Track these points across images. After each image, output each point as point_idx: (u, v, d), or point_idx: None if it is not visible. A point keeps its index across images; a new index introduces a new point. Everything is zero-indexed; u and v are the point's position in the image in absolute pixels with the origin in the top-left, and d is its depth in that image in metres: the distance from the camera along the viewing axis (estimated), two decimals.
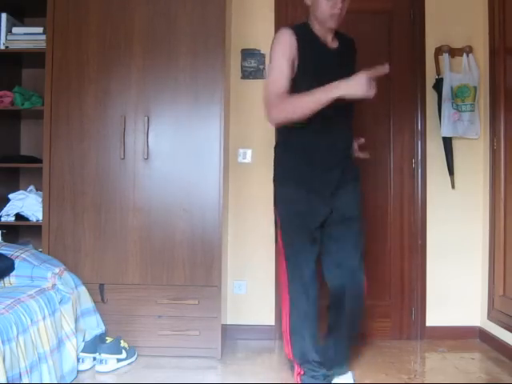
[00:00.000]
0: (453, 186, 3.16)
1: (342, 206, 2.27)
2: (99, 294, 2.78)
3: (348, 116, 2.31)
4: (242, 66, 3.22)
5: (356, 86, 1.99)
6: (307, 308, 2.25)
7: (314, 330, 2.28)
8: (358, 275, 2.26)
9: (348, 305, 2.25)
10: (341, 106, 2.13)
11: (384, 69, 2.01)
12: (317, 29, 2.25)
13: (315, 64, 2.20)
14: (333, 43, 2.28)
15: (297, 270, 2.25)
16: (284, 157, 2.32)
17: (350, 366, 2.55)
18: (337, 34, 2.30)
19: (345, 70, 2.15)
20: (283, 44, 2.17)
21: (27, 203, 2.90)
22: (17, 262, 2.55)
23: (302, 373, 2.29)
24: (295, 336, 2.28)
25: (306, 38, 2.20)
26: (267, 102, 2.13)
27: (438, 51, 3.15)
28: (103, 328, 2.73)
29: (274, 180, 2.36)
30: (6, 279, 2.52)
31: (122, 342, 2.62)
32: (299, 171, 2.26)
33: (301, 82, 2.16)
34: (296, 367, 2.32)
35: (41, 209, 2.85)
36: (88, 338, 2.63)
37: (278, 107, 2.10)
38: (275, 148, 2.40)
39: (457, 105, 3.06)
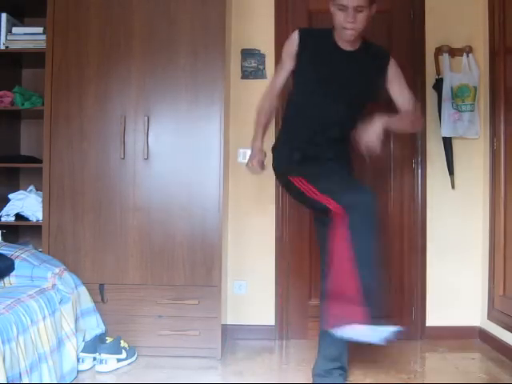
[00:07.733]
0: (453, 186, 3.16)
1: None
2: (99, 294, 2.78)
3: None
4: (242, 66, 3.21)
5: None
6: None
7: None
8: None
9: None
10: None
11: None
12: (336, 34, 2.29)
13: (317, 60, 2.29)
14: (349, 46, 2.30)
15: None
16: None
17: (350, 365, 2.55)
18: (366, 44, 2.35)
19: (358, 74, 2.28)
20: (287, 42, 2.36)
21: (27, 203, 2.90)
22: (17, 262, 2.55)
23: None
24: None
25: (315, 37, 2.29)
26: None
27: (438, 51, 3.15)
28: (103, 328, 2.73)
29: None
30: (6, 279, 2.52)
31: (122, 342, 2.62)
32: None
33: (298, 74, 2.33)
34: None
35: (41, 209, 2.85)
36: (88, 338, 2.63)
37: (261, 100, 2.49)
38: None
39: (457, 105, 3.06)
